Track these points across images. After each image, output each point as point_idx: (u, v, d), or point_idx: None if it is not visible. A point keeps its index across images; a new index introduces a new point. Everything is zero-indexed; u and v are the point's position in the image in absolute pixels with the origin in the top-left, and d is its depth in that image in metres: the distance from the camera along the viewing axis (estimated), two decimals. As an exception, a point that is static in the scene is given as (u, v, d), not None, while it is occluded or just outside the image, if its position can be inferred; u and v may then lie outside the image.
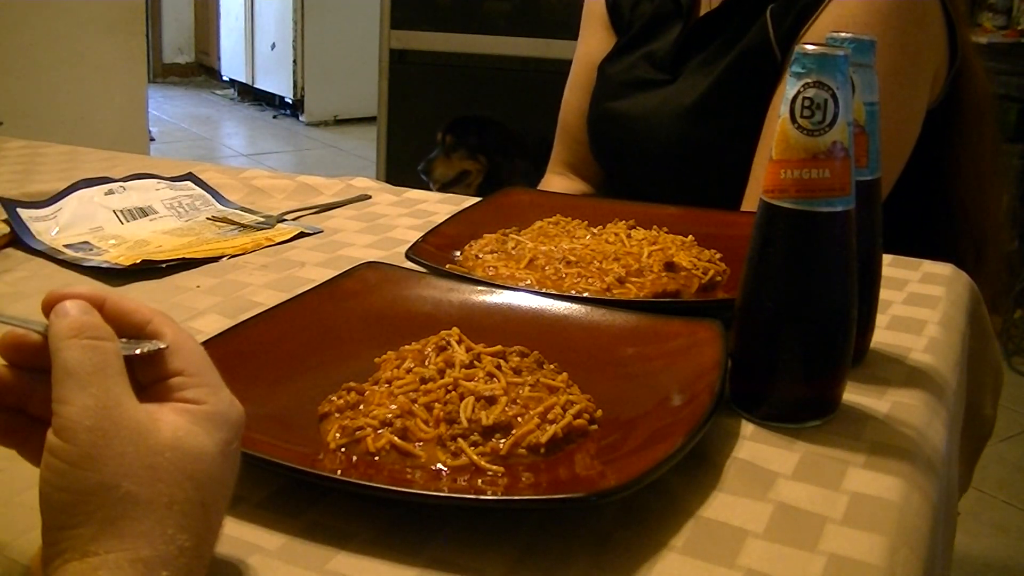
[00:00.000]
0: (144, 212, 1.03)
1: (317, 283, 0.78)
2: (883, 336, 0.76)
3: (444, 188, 2.55)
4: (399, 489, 0.52)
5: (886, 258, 0.75)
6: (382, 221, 1.05)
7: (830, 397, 0.65)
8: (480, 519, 0.53)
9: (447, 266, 0.83)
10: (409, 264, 0.83)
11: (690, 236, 0.88)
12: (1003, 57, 2.84)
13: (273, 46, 5.53)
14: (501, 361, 0.63)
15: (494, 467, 0.55)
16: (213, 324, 0.77)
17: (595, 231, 0.91)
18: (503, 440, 0.57)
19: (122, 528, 0.39)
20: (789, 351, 0.63)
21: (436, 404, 0.59)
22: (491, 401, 0.59)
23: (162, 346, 0.45)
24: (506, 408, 0.58)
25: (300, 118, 5.51)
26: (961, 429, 0.79)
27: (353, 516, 0.53)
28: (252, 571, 0.48)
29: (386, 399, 0.60)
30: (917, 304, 0.84)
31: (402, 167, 2.80)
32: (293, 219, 1.05)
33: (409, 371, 0.62)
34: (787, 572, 0.49)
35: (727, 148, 1.12)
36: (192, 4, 6.36)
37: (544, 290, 0.77)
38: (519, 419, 0.58)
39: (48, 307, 0.45)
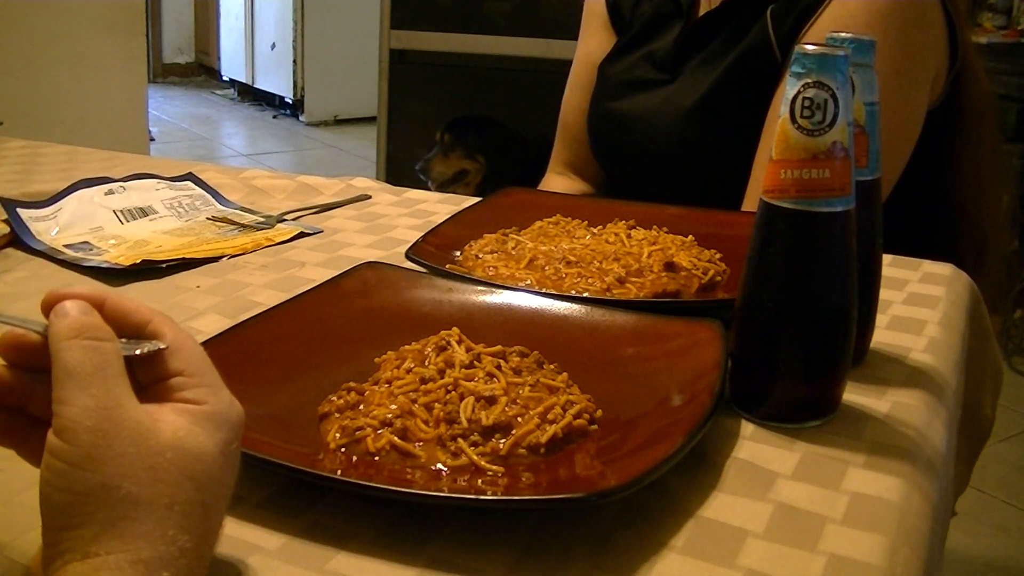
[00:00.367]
0: (144, 212, 1.03)
1: (317, 283, 0.78)
2: (883, 336, 0.76)
3: (442, 187, 2.54)
4: (399, 489, 0.52)
5: (886, 258, 0.76)
6: (382, 221, 1.05)
7: (830, 397, 0.65)
8: (480, 519, 0.53)
9: (447, 266, 0.83)
10: (409, 264, 0.83)
11: (690, 236, 0.88)
12: (1003, 57, 2.84)
13: (273, 46, 5.53)
14: (501, 361, 0.63)
15: (494, 467, 0.55)
16: (213, 324, 0.77)
17: (595, 231, 0.91)
18: (503, 440, 0.57)
19: (123, 529, 0.39)
20: (789, 351, 0.63)
21: (436, 404, 0.59)
22: (491, 401, 0.59)
23: (162, 346, 0.45)
24: (506, 408, 0.58)
25: (300, 118, 5.51)
26: (960, 429, 0.79)
27: (353, 516, 0.53)
28: (252, 571, 0.48)
29: (386, 399, 0.60)
30: (917, 304, 0.84)
31: (402, 167, 2.80)
32: (293, 219, 1.05)
33: (409, 371, 0.62)
34: (787, 572, 0.49)
35: (727, 148, 1.12)
36: (192, 4, 6.36)
37: (544, 290, 0.77)
38: (519, 419, 0.58)
39: (48, 307, 0.44)
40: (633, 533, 0.52)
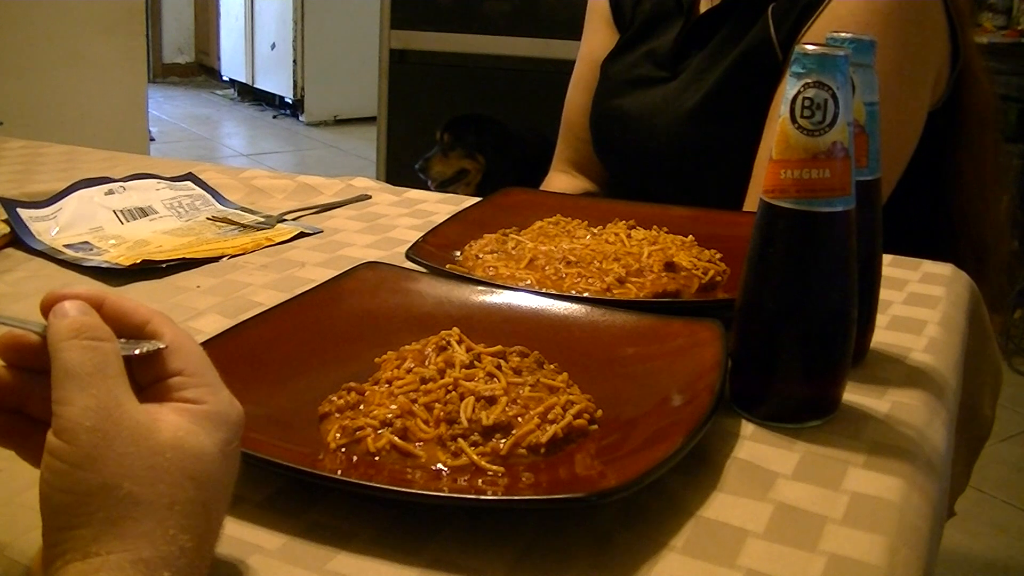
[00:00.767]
0: (144, 212, 1.03)
1: (317, 283, 0.78)
2: (883, 336, 0.76)
3: (442, 187, 2.54)
4: (399, 489, 0.52)
5: (886, 258, 0.75)
6: (382, 221, 1.05)
7: (830, 397, 0.65)
8: (480, 519, 0.53)
9: (447, 266, 0.83)
10: (409, 264, 0.83)
11: (690, 236, 0.88)
12: (1003, 57, 2.84)
13: (273, 46, 5.53)
14: (501, 361, 0.63)
15: (494, 467, 0.55)
16: (213, 324, 0.76)
17: (595, 231, 0.91)
18: (503, 440, 0.57)
19: (123, 529, 0.39)
20: (789, 351, 0.63)
21: (436, 404, 0.59)
22: (491, 401, 0.59)
23: (161, 346, 0.45)
24: (506, 408, 0.58)
25: (300, 118, 5.51)
26: (960, 429, 0.79)
27: (353, 516, 0.53)
28: (252, 571, 0.48)
29: (386, 399, 0.60)
30: (917, 304, 0.84)
31: (402, 167, 2.80)
32: (293, 219, 1.05)
33: (409, 371, 0.62)
34: (787, 572, 0.49)
35: (729, 148, 1.12)
36: (192, 4, 6.36)
37: (544, 290, 0.77)
38: (519, 419, 0.58)
39: (47, 307, 0.44)
40: (633, 533, 0.52)
